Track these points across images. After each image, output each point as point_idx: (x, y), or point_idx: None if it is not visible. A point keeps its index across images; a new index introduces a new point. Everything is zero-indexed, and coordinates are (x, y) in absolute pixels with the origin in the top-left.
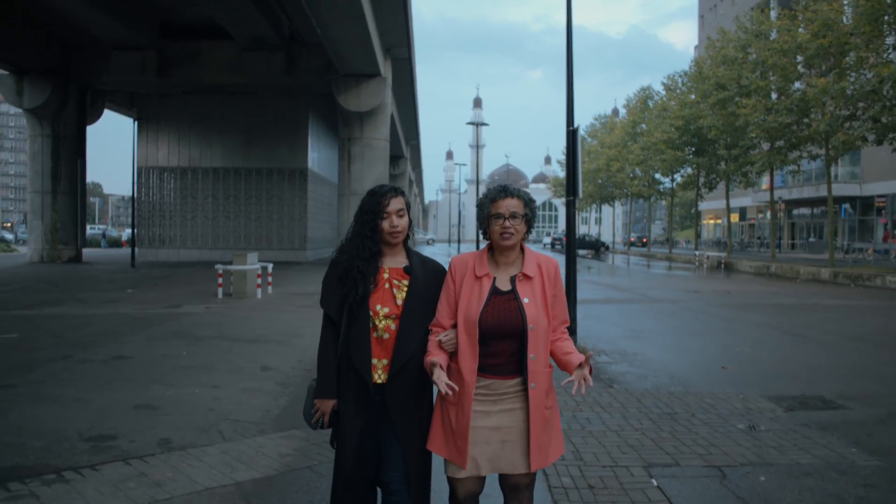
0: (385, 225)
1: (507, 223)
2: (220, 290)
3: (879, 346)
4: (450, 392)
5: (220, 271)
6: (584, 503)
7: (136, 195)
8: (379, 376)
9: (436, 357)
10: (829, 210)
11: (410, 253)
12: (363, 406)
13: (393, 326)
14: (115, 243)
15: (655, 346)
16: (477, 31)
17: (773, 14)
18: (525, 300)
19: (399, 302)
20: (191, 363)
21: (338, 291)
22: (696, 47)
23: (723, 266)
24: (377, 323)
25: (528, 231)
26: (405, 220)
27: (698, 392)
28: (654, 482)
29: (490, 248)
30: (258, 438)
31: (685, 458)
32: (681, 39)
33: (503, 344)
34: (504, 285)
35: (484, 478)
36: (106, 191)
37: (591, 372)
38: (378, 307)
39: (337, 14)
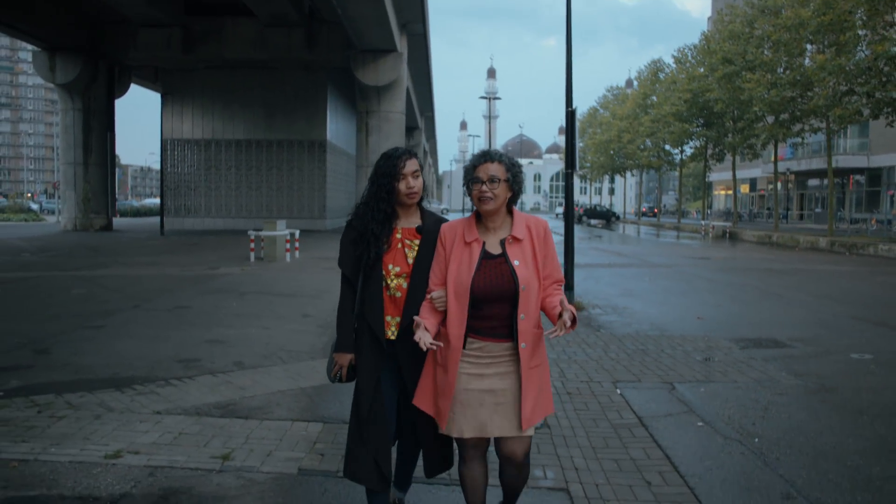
0: (402, 186)
1: (483, 187)
2: (252, 255)
3: (841, 302)
4: (433, 348)
5: (252, 237)
6: (562, 403)
7: (162, 166)
8: (392, 333)
9: (420, 318)
10: (829, 181)
11: (425, 213)
12: (378, 361)
13: (404, 285)
14: None
15: (644, 302)
16: None
17: None
18: (515, 262)
19: (410, 261)
20: (241, 312)
21: (353, 253)
22: (709, 18)
23: (727, 235)
24: (389, 282)
25: (515, 196)
26: (420, 181)
27: (671, 335)
28: (619, 391)
29: (478, 214)
30: (310, 362)
31: (646, 378)
32: (697, 7)
33: (496, 307)
34: (494, 249)
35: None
36: (123, 162)
37: (574, 321)
38: (390, 266)
39: None
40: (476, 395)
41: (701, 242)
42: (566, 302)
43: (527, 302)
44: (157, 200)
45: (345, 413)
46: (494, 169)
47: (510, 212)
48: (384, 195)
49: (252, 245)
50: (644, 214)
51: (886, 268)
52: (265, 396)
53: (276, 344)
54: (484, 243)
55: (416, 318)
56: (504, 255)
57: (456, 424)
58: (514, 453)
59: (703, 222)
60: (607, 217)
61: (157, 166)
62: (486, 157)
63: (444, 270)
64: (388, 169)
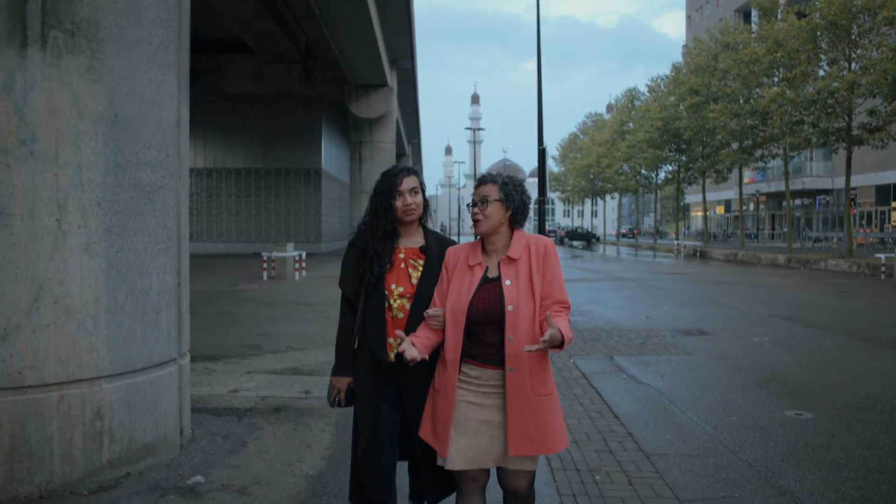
0: (398, 203)
1: (475, 209)
2: (265, 274)
3: (767, 305)
4: (416, 360)
5: (265, 258)
6: None
7: None
8: (394, 355)
9: (402, 332)
10: (787, 202)
11: (427, 232)
12: (379, 383)
13: (407, 305)
14: None
15: (605, 307)
16: (469, 21)
17: (753, 19)
18: (507, 282)
19: (414, 281)
20: (275, 315)
21: (355, 273)
22: (683, 46)
23: (698, 254)
24: (392, 302)
25: (517, 215)
26: (419, 198)
27: (621, 328)
28: (572, 360)
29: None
30: None
31: (594, 353)
32: (674, 29)
33: (489, 331)
34: (493, 272)
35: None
36: None
37: (561, 345)
38: (393, 286)
39: (352, 37)
40: (474, 425)
41: (673, 261)
42: (563, 322)
43: (515, 323)
44: None
45: None
46: (486, 190)
47: (511, 233)
48: (382, 213)
49: (265, 265)
50: (624, 236)
51: (827, 279)
52: (318, 364)
53: (313, 335)
54: (487, 268)
55: (397, 331)
56: (498, 277)
57: (451, 456)
58: (517, 487)
59: (676, 242)
60: (588, 238)
61: None
62: (480, 179)
63: (444, 294)
64: (385, 186)
